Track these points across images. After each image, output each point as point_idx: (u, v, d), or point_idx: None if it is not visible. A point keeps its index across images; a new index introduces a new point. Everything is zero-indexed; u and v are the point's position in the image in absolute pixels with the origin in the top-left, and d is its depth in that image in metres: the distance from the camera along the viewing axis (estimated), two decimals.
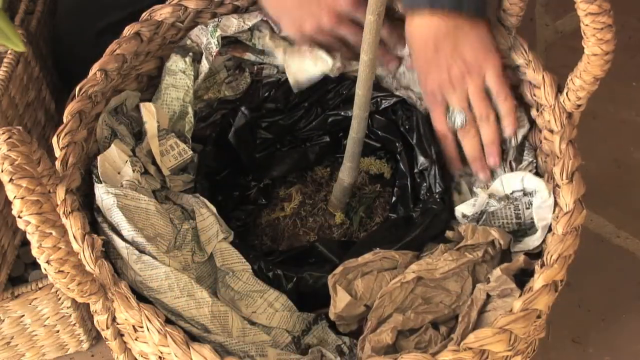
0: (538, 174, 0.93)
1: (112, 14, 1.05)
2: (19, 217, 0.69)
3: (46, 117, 1.04)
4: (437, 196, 0.91)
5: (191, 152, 0.93)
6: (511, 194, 0.87)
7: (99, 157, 0.87)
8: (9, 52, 0.92)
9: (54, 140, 0.85)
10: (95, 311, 0.81)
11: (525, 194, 0.86)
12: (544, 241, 0.84)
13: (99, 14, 1.06)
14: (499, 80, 0.91)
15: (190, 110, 0.95)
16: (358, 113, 0.89)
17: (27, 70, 0.97)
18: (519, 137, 0.93)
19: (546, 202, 0.84)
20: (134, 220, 0.83)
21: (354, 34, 0.95)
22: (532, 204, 0.85)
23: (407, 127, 0.96)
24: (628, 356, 1.13)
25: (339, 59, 0.96)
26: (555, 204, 0.84)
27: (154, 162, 0.92)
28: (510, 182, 0.87)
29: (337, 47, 0.97)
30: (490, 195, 0.87)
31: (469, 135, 0.93)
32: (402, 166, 0.95)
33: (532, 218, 0.86)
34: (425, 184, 0.93)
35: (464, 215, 0.89)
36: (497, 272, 0.82)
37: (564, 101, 0.87)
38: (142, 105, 0.92)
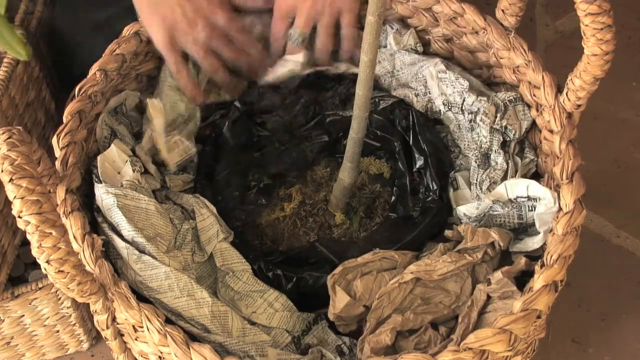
0: (538, 173, 0.93)
1: (110, 9, 1.05)
2: (19, 217, 0.69)
3: (46, 117, 1.04)
4: (434, 195, 0.92)
5: (194, 149, 0.94)
6: (515, 199, 0.87)
7: (98, 157, 0.87)
8: None
9: (54, 140, 0.85)
10: (95, 311, 0.81)
11: (530, 199, 0.86)
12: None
13: (97, 8, 1.06)
14: (352, 26, 0.96)
15: (197, 113, 0.96)
16: (358, 113, 0.89)
17: (27, 70, 0.97)
18: (522, 130, 0.92)
19: (551, 209, 0.84)
20: (134, 220, 0.83)
21: (227, 49, 0.94)
22: (535, 207, 0.85)
23: (404, 126, 0.96)
24: (628, 356, 1.13)
25: (305, 57, 0.98)
26: None
27: (154, 162, 0.92)
28: (515, 189, 0.87)
29: (212, 66, 0.95)
30: (494, 201, 0.86)
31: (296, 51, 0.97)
32: (400, 165, 0.95)
33: (534, 219, 0.86)
34: (423, 183, 0.93)
35: (466, 215, 0.89)
36: (498, 274, 0.82)
37: (563, 101, 0.87)
38: (149, 101, 0.92)
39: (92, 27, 1.05)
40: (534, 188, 0.85)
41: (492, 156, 0.92)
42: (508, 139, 0.92)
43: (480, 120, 0.93)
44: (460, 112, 0.95)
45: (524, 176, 0.91)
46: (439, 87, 0.96)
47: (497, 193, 0.87)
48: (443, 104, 0.96)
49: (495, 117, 0.93)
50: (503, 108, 0.93)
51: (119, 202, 0.83)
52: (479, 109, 0.93)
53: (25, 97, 0.98)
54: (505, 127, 0.92)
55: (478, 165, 0.92)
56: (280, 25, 0.97)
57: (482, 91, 0.96)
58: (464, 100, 0.94)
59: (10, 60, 0.92)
